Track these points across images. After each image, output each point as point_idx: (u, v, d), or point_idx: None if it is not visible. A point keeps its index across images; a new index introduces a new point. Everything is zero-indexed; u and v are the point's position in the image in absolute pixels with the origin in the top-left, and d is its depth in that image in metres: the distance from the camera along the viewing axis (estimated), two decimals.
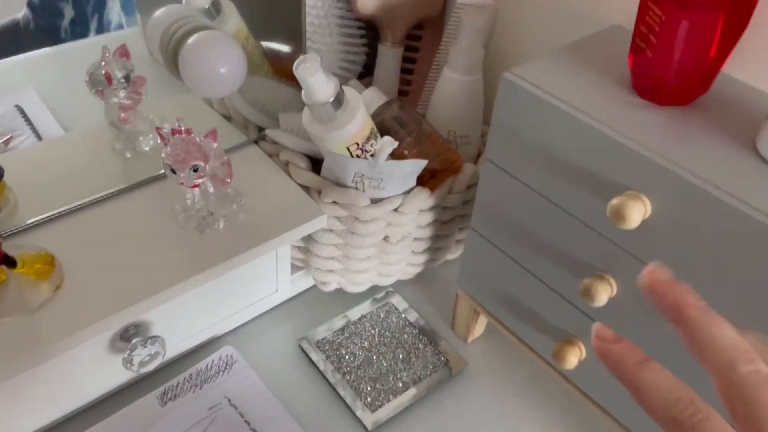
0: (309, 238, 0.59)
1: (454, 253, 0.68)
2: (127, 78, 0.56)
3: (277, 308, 0.65)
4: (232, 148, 0.62)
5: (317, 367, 0.60)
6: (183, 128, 0.48)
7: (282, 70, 0.64)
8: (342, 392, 0.58)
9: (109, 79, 0.56)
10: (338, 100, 0.52)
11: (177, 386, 0.56)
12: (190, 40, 0.58)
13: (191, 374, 0.57)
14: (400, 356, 0.61)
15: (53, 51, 0.70)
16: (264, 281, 0.61)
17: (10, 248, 0.47)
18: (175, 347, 0.57)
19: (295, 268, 0.63)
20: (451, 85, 0.61)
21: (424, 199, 0.57)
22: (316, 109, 0.52)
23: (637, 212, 0.39)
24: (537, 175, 0.46)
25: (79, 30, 0.70)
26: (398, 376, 0.59)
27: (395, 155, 0.56)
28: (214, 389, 0.56)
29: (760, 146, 0.40)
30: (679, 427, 0.22)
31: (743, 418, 0.21)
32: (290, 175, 0.59)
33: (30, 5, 0.68)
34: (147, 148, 0.61)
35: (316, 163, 0.59)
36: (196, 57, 0.58)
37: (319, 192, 0.56)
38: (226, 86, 0.60)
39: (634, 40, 0.44)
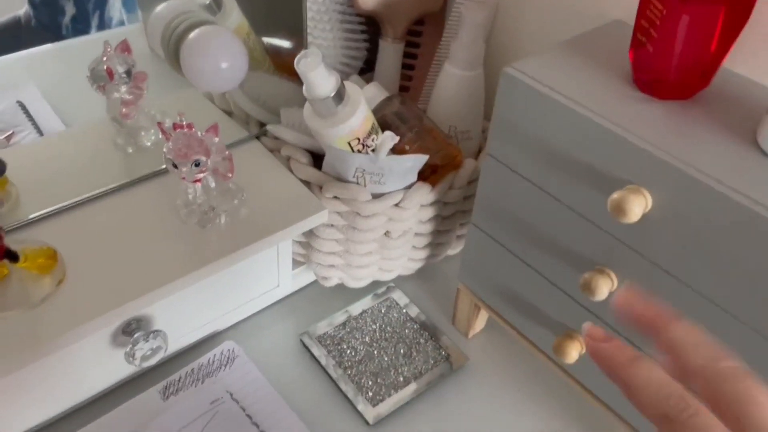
0: (310, 233, 0.59)
1: (455, 249, 0.68)
2: (128, 73, 0.56)
3: (278, 303, 0.65)
4: (233, 144, 0.62)
5: (319, 362, 0.60)
6: (184, 123, 0.49)
7: (283, 65, 0.64)
8: (343, 387, 0.58)
9: (110, 74, 0.56)
10: (339, 95, 0.52)
11: (179, 380, 0.56)
12: (192, 35, 0.58)
13: (193, 368, 0.57)
14: (402, 351, 0.61)
15: (54, 47, 0.70)
16: (265, 276, 0.61)
17: (13, 243, 0.47)
18: (176, 342, 0.57)
19: (296, 263, 0.64)
20: (452, 80, 0.61)
21: (425, 194, 0.57)
22: (317, 104, 0.52)
23: (638, 206, 0.39)
24: (538, 169, 0.46)
25: (80, 27, 0.70)
26: (399, 370, 0.59)
27: (396, 150, 0.56)
28: (216, 384, 0.57)
29: (760, 140, 0.40)
30: (670, 422, 0.22)
31: None
32: (291, 171, 0.59)
33: (31, 2, 0.68)
34: (148, 143, 0.61)
35: (317, 159, 0.59)
36: (197, 52, 0.58)
37: (321, 187, 0.56)
38: (228, 81, 0.60)
39: (634, 35, 0.44)
